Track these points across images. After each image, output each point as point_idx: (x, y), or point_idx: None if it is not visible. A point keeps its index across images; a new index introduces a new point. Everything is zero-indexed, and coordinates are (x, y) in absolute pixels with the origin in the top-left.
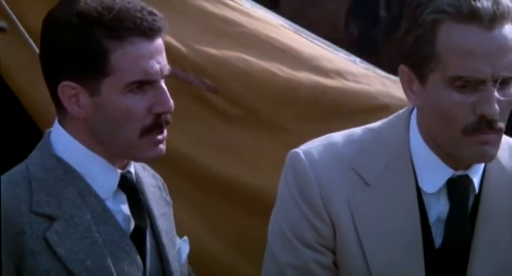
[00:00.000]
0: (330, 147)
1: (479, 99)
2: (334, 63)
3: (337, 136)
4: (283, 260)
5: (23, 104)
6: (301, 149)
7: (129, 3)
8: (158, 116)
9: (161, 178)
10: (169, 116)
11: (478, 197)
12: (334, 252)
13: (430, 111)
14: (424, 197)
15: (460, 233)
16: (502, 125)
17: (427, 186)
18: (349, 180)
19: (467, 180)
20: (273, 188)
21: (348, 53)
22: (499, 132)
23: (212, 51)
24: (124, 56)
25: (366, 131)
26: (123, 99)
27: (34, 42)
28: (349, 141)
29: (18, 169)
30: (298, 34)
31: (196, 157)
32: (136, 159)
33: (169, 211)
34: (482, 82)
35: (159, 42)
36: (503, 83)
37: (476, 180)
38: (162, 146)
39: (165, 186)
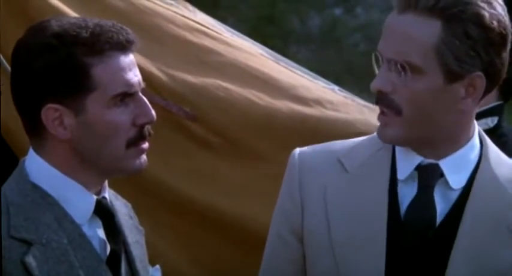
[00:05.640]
0: (327, 144)
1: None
2: (313, 92)
3: (339, 141)
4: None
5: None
6: (301, 148)
7: (99, 21)
8: (141, 127)
9: (131, 207)
10: (150, 128)
11: (466, 195)
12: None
13: None
14: (399, 184)
15: (420, 213)
16: (399, 107)
17: (400, 173)
18: (330, 168)
19: (436, 168)
20: (250, 216)
21: (327, 82)
22: (396, 115)
23: (191, 79)
24: (105, 70)
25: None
26: (108, 114)
27: None
28: (346, 141)
29: None
30: (278, 63)
31: (174, 184)
32: (124, 172)
33: (142, 239)
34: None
35: (132, 56)
36: (402, 67)
37: (453, 174)
38: (145, 157)
39: (135, 215)
